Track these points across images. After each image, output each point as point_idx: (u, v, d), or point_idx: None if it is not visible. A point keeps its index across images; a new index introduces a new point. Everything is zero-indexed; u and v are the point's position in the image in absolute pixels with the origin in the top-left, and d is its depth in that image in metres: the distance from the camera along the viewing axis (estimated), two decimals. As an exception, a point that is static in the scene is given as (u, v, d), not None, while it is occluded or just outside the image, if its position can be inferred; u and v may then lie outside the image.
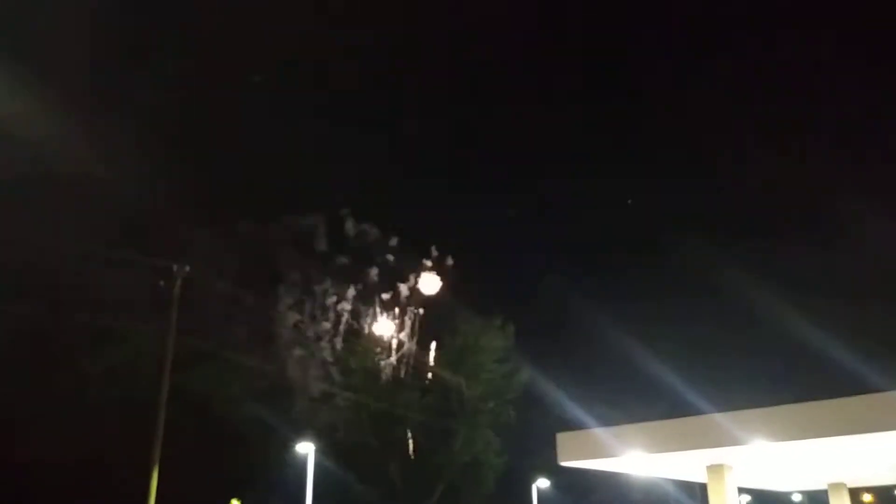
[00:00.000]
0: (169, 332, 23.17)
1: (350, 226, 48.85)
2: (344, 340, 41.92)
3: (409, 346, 44.47)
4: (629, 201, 67.58)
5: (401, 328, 46.36)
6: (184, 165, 48.68)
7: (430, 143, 72.94)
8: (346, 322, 46.02)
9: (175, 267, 23.18)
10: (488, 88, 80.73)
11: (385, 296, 48.46)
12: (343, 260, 47.59)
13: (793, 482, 24.66)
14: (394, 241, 49.47)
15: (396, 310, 46.91)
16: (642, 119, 79.78)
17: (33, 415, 31.11)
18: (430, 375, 42.29)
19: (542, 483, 45.71)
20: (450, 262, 50.56)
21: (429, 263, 49.66)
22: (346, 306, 46.63)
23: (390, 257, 49.87)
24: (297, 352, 42.64)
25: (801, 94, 73.80)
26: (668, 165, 75.76)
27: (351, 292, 46.85)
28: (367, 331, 44.59)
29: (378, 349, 43.43)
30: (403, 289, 48.39)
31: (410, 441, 43.17)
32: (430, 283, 48.49)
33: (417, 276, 48.01)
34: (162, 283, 23.03)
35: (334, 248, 49.39)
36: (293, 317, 42.90)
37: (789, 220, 71.81)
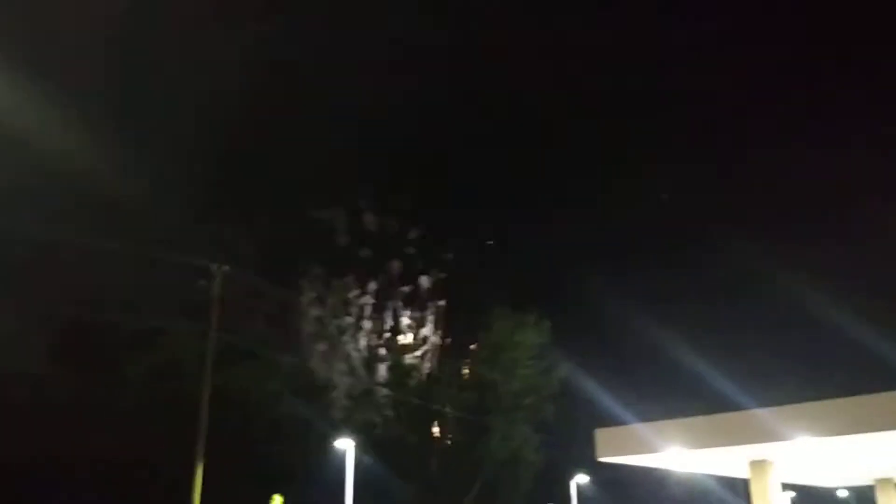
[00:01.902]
0: (210, 330, 23.48)
1: (373, 219, 48.85)
2: (378, 337, 42.20)
3: (435, 339, 44.48)
4: (665, 196, 66.90)
5: (423, 322, 46.29)
6: (213, 167, 49.34)
7: (464, 140, 72.87)
8: (376, 318, 46.02)
9: (214, 266, 23.44)
10: (518, 87, 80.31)
11: (405, 289, 48.41)
12: (366, 253, 47.54)
13: (839, 478, 24.21)
14: (413, 234, 49.41)
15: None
16: (678, 117, 78.79)
17: (79, 415, 31.79)
18: (466, 371, 42.23)
19: (582, 479, 45.31)
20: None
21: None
22: (370, 300, 46.67)
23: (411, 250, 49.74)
24: (330, 348, 42.97)
25: (837, 93, 72.19)
26: (705, 162, 74.80)
27: (373, 286, 46.84)
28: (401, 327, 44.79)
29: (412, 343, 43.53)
30: (425, 281, 48.36)
31: (448, 437, 43.19)
32: None
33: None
34: (202, 282, 23.35)
35: (356, 243, 49.38)
36: (325, 314, 43.22)
37: (829, 217, 70.39)
